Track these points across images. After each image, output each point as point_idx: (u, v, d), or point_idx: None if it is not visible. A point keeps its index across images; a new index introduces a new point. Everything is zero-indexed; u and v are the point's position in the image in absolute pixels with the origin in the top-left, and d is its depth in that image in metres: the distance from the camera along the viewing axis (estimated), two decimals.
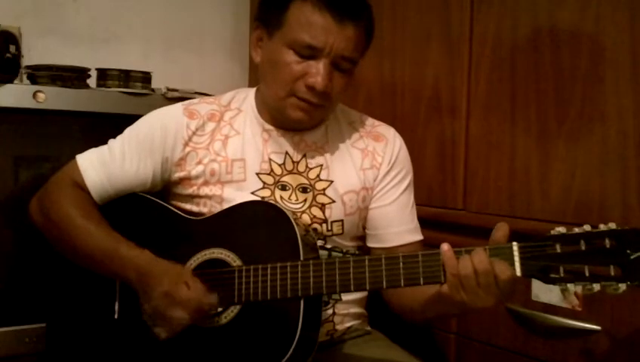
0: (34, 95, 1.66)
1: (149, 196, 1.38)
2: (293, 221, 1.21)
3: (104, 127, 1.59)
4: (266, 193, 1.34)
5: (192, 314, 1.18)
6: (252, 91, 1.44)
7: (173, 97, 1.81)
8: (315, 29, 1.25)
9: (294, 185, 1.36)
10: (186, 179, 1.36)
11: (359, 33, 1.28)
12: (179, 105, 1.40)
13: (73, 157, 1.38)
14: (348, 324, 1.42)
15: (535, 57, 1.49)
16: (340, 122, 1.45)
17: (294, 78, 1.28)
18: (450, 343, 1.65)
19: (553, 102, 1.46)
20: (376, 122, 1.48)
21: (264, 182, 1.35)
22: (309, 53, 1.26)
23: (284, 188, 1.36)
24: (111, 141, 1.39)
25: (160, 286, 1.19)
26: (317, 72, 1.26)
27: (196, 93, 1.86)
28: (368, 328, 1.48)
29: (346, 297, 1.40)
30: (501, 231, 1.12)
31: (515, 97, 1.53)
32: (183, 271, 1.23)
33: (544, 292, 1.44)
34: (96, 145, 1.39)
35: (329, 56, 1.26)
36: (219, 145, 1.36)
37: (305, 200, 1.36)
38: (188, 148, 1.35)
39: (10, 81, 1.65)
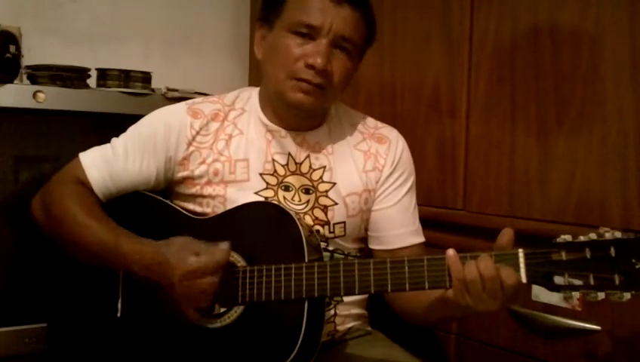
0: (34, 95, 1.66)
1: (153, 195, 1.37)
2: (298, 222, 1.22)
3: (104, 127, 1.59)
4: (269, 193, 1.34)
5: (216, 274, 1.16)
6: (256, 91, 1.44)
7: (173, 97, 1.81)
8: (313, 9, 1.27)
9: (297, 186, 1.36)
10: (189, 179, 1.36)
11: (358, 17, 1.30)
12: (182, 105, 1.40)
13: (73, 157, 1.38)
14: (349, 325, 1.42)
15: (535, 57, 1.49)
16: (343, 124, 1.45)
17: (294, 60, 1.28)
18: (450, 343, 1.65)
19: (553, 102, 1.46)
20: (379, 124, 1.48)
21: (267, 183, 1.35)
22: (308, 32, 1.28)
23: (287, 188, 1.36)
24: (114, 139, 1.38)
25: (175, 272, 1.17)
26: (316, 51, 1.27)
27: (196, 93, 1.86)
28: (369, 328, 1.49)
29: (347, 298, 1.40)
30: (506, 236, 1.11)
31: (515, 97, 1.53)
32: (184, 245, 1.20)
33: (544, 292, 1.43)
34: (96, 145, 1.39)
35: (328, 36, 1.27)
36: (222, 145, 1.36)
37: (307, 202, 1.36)
38: (191, 148, 1.35)
39: (10, 81, 1.65)
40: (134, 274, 1.23)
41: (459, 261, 1.10)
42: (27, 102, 1.65)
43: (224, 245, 1.18)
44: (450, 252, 1.11)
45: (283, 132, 1.38)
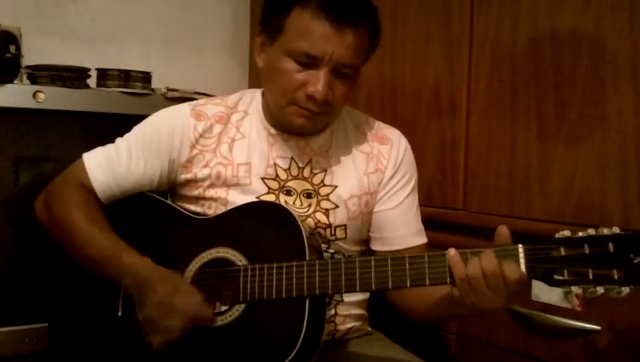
0: (34, 95, 1.66)
1: (155, 195, 1.37)
2: (299, 222, 1.22)
3: (104, 127, 1.60)
4: (271, 198, 1.34)
5: (186, 324, 1.17)
6: (258, 93, 1.43)
7: (173, 97, 1.81)
8: (314, 38, 1.23)
9: (299, 191, 1.36)
10: (192, 181, 1.36)
11: (360, 39, 1.26)
12: (186, 106, 1.40)
13: (73, 158, 1.37)
14: (349, 325, 1.42)
15: (535, 57, 1.50)
16: (347, 126, 1.44)
17: (295, 88, 1.27)
18: (450, 343, 1.66)
19: (553, 102, 1.47)
20: (382, 124, 1.47)
21: (269, 187, 1.35)
22: (309, 61, 1.25)
23: (288, 193, 1.36)
24: (118, 140, 1.38)
25: (155, 294, 1.18)
26: (317, 81, 1.24)
27: (196, 93, 1.86)
28: (369, 329, 1.49)
29: (347, 298, 1.40)
30: (503, 236, 1.12)
31: (515, 97, 1.54)
32: (180, 281, 1.22)
33: (544, 292, 1.44)
34: (96, 145, 1.38)
35: (329, 65, 1.24)
36: (225, 149, 1.35)
37: (309, 206, 1.36)
38: (195, 151, 1.35)
39: (10, 81, 1.65)
40: (128, 288, 1.24)
41: (460, 260, 1.10)
42: (27, 102, 1.65)
43: (210, 310, 1.19)
44: (452, 251, 1.11)
45: (286, 136, 1.37)
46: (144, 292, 1.20)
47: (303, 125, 1.31)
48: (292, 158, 1.37)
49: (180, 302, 1.17)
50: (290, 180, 1.36)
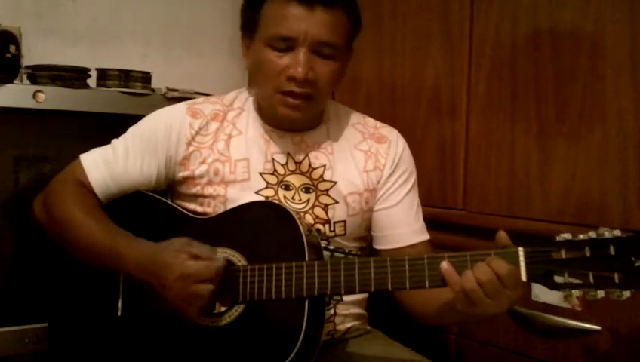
0: (34, 95, 1.66)
1: (154, 195, 1.38)
2: (298, 221, 1.22)
3: (104, 127, 1.59)
4: (270, 192, 1.35)
5: (214, 279, 1.17)
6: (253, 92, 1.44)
7: (173, 97, 1.81)
8: (287, 21, 1.26)
9: (297, 185, 1.36)
10: (189, 179, 1.36)
11: (335, 17, 1.28)
12: (182, 105, 1.41)
13: (73, 157, 1.38)
14: (348, 324, 1.42)
15: (535, 57, 1.50)
16: (342, 123, 1.45)
17: (277, 74, 1.28)
18: (450, 343, 1.65)
19: (553, 102, 1.46)
20: (379, 124, 1.48)
21: (268, 182, 1.35)
22: (286, 45, 1.27)
23: (287, 187, 1.36)
24: (115, 140, 1.39)
25: (170, 273, 1.17)
26: (296, 61, 1.26)
27: (196, 93, 1.86)
28: (368, 328, 1.49)
29: (347, 298, 1.40)
30: (503, 241, 1.11)
31: (515, 97, 1.53)
32: (182, 247, 1.20)
33: (544, 292, 1.44)
34: (96, 145, 1.39)
35: (305, 44, 1.26)
36: (222, 145, 1.36)
37: (308, 201, 1.36)
38: (191, 148, 1.36)
39: (10, 81, 1.65)
40: (132, 276, 1.25)
41: (454, 273, 1.10)
42: (27, 102, 1.65)
43: (221, 259, 1.18)
44: (445, 265, 1.10)
45: (280, 132, 1.38)
46: (160, 276, 1.19)
47: (289, 115, 1.31)
48: (288, 154, 1.38)
49: (193, 265, 1.17)
50: (289, 175, 1.37)
